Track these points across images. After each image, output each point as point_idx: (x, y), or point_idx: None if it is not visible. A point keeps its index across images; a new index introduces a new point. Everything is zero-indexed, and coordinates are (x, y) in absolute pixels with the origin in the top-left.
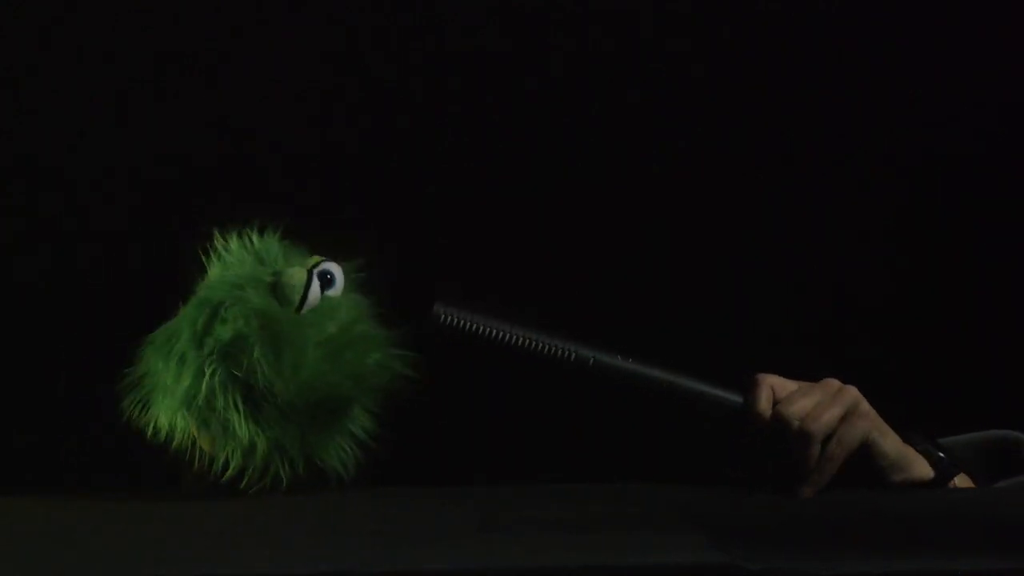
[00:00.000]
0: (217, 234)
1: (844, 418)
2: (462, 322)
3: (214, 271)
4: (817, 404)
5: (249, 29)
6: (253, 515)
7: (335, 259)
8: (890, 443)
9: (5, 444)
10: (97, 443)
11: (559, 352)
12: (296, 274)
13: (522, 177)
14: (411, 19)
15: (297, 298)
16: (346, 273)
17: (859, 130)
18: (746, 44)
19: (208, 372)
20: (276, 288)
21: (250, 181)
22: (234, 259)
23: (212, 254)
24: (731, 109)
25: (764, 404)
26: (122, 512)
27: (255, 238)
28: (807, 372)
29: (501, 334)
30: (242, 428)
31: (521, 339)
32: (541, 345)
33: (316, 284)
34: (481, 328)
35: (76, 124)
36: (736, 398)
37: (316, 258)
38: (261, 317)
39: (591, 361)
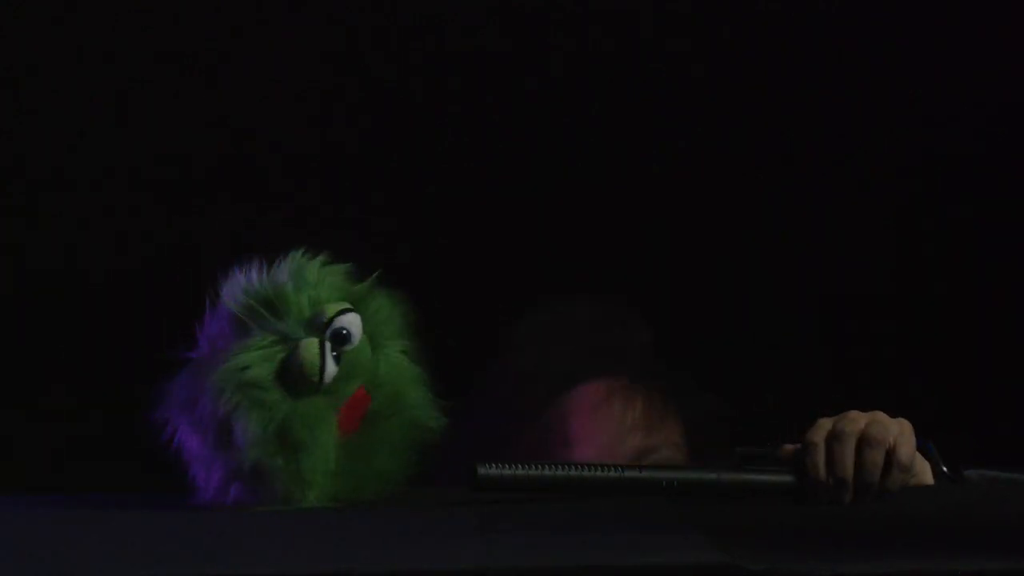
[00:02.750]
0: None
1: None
2: (508, 474)
3: (217, 326)
4: (871, 466)
5: (249, 29)
6: (253, 515)
7: (350, 288)
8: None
9: (5, 444)
10: (96, 443)
11: (606, 473)
12: (308, 356)
13: (521, 178)
14: (411, 19)
15: (314, 382)
16: (366, 302)
17: (859, 130)
18: (746, 44)
19: (233, 480)
20: (290, 367)
21: (250, 181)
22: (244, 311)
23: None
24: (731, 109)
25: (821, 492)
26: (122, 512)
27: (261, 279)
28: (807, 372)
29: (548, 472)
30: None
31: (567, 472)
32: (587, 472)
33: (331, 359)
34: (525, 473)
35: (75, 125)
36: (787, 478)
37: (331, 309)
38: (279, 427)
39: (662, 482)
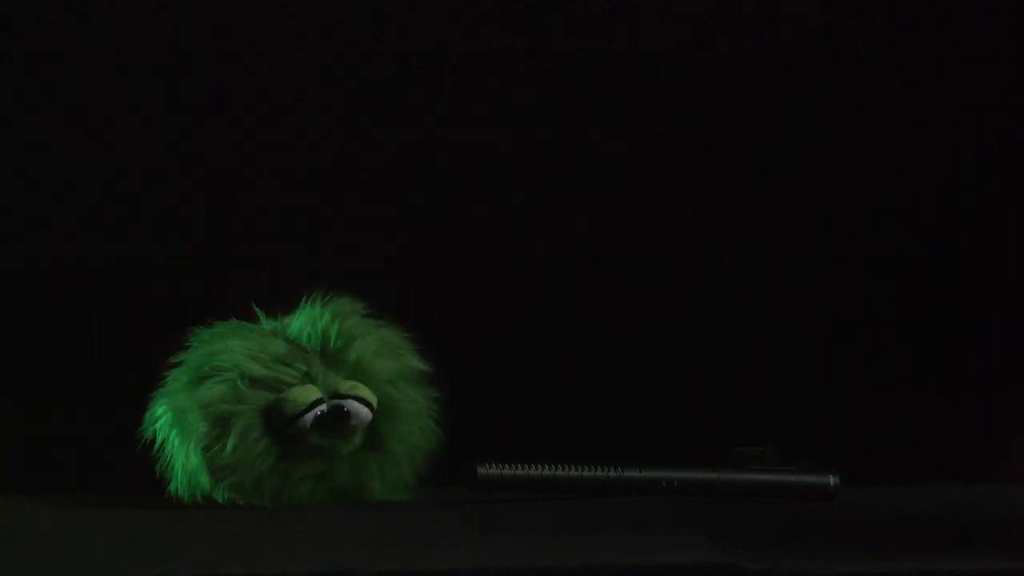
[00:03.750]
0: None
1: None
2: (508, 474)
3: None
4: None
5: (249, 29)
6: (253, 516)
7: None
8: None
9: (6, 443)
10: (95, 444)
11: (606, 473)
12: (298, 397)
13: (520, 177)
14: (410, 19)
15: (287, 416)
16: (395, 412)
17: (860, 130)
18: (747, 44)
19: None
20: (275, 406)
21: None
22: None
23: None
24: (733, 109)
25: None
26: (122, 512)
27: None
28: (808, 373)
29: (548, 472)
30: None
31: (566, 472)
32: (587, 472)
33: (311, 415)
34: (525, 473)
35: (75, 127)
36: (785, 477)
37: (349, 387)
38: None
39: (663, 482)
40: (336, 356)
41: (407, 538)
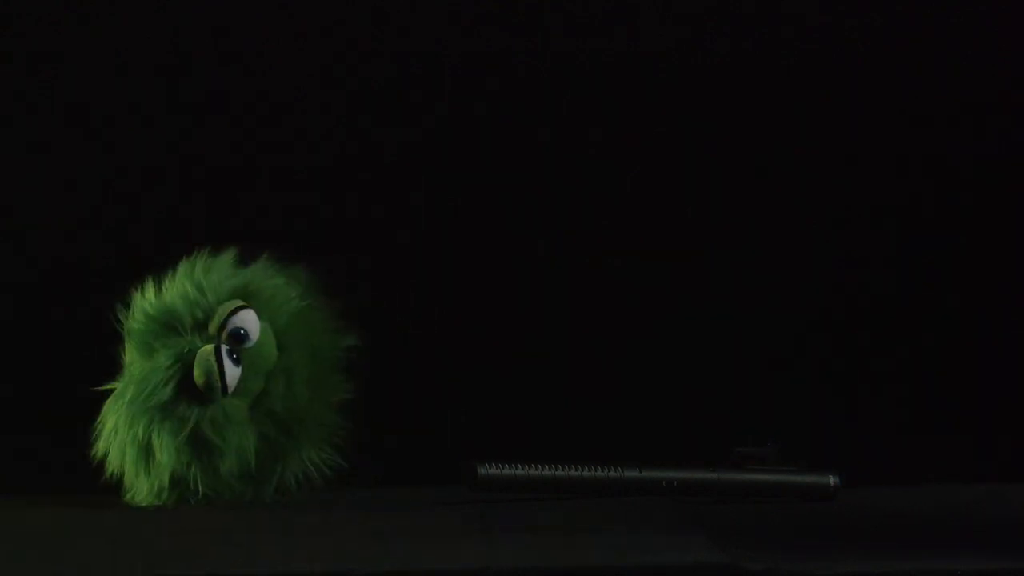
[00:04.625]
0: (117, 304)
1: None
2: (508, 474)
3: (131, 355)
4: None
5: (249, 29)
6: (253, 515)
7: (240, 273)
8: None
9: (5, 444)
10: (94, 444)
11: (606, 473)
12: (206, 365)
13: (520, 177)
14: (410, 19)
15: (218, 386)
16: (259, 286)
17: (860, 130)
18: (747, 44)
19: (162, 495)
20: (193, 380)
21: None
22: (145, 334)
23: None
24: (733, 109)
25: None
26: (121, 513)
27: (154, 297)
28: (807, 373)
29: (548, 472)
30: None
31: (566, 472)
32: (587, 472)
33: (229, 363)
34: (525, 473)
35: (71, 128)
36: (785, 477)
37: (222, 310)
38: (190, 437)
39: (663, 482)
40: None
41: (407, 538)
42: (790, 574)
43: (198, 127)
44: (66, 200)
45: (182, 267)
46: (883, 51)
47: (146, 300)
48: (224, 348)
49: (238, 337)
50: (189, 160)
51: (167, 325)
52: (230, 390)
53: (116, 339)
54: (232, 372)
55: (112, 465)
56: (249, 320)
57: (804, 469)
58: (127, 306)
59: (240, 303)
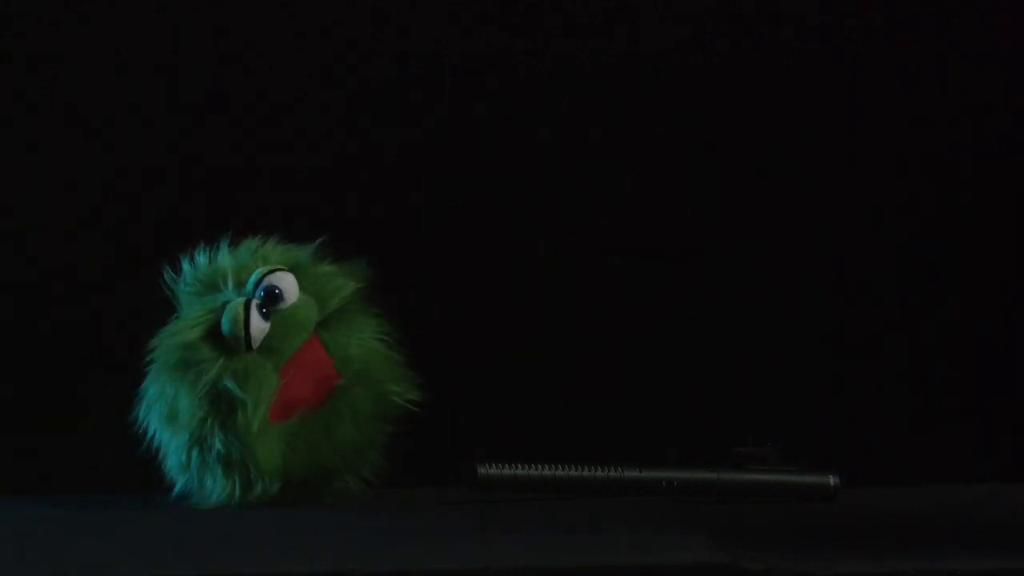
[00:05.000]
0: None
1: None
2: (508, 474)
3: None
4: None
5: (249, 29)
6: (253, 515)
7: (292, 252)
8: None
9: (5, 444)
10: (94, 444)
11: (606, 473)
12: (233, 314)
13: (520, 177)
14: (410, 19)
15: (241, 337)
16: (307, 264)
17: (860, 130)
18: (747, 44)
19: (188, 459)
20: (220, 328)
21: (245, 187)
22: (191, 294)
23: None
24: (733, 109)
25: None
26: (122, 512)
27: (203, 264)
28: (807, 373)
29: (549, 472)
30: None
31: (566, 472)
32: (587, 472)
33: (257, 316)
34: (525, 473)
35: (70, 130)
36: (785, 477)
37: (260, 271)
38: (209, 389)
39: (663, 482)
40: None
41: (407, 538)
42: (790, 574)
43: (198, 127)
44: (66, 200)
45: (244, 242)
46: (883, 51)
47: (197, 262)
48: (255, 302)
49: (272, 295)
50: (189, 160)
51: (211, 284)
52: (255, 344)
53: (116, 340)
54: (258, 325)
55: (148, 430)
56: (286, 281)
57: (804, 469)
58: (177, 271)
59: (278, 267)
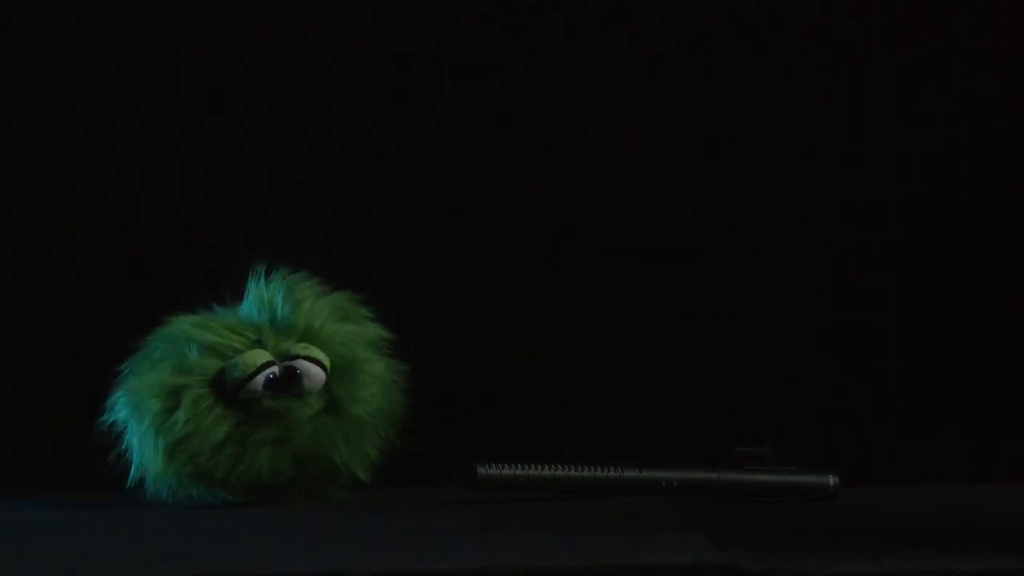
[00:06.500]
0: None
1: None
2: (508, 474)
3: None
4: None
5: (249, 29)
6: (253, 515)
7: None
8: None
9: (5, 444)
10: (94, 444)
11: (606, 473)
12: (249, 356)
13: (520, 177)
14: (410, 19)
15: (233, 382)
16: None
17: (860, 130)
18: (747, 44)
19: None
20: (228, 366)
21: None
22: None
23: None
24: (733, 109)
25: None
26: (122, 512)
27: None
28: (807, 373)
29: (548, 472)
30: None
31: (566, 472)
32: (587, 472)
33: (260, 379)
34: (525, 473)
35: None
36: (785, 477)
37: (305, 349)
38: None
39: (663, 482)
40: (286, 322)
41: (407, 538)
42: (790, 574)
43: (198, 127)
44: (66, 200)
45: (320, 291)
46: (883, 51)
47: (264, 294)
48: (271, 371)
49: (292, 376)
50: (189, 160)
51: (247, 319)
52: (237, 397)
53: (115, 339)
54: (253, 387)
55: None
56: (316, 379)
57: (804, 469)
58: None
59: (323, 360)
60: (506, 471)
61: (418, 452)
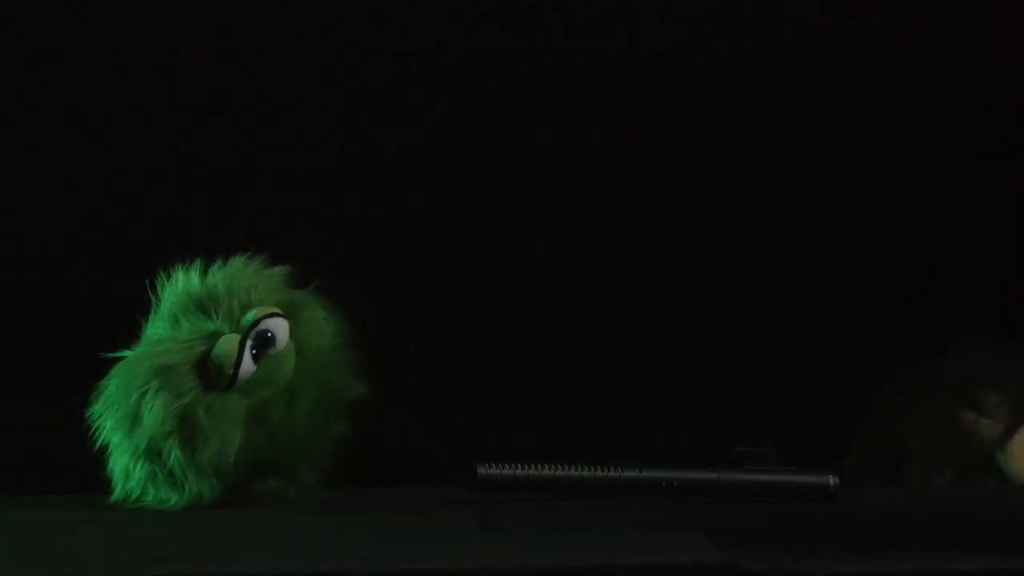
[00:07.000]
0: (161, 277)
1: None
2: (508, 474)
3: (154, 325)
4: None
5: (249, 29)
6: (253, 515)
7: (287, 293)
8: None
9: (7, 444)
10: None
11: (606, 473)
12: (226, 349)
13: (520, 177)
14: (410, 19)
15: (227, 375)
16: (300, 308)
17: (860, 130)
18: (747, 44)
19: (135, 465)
20: (208, 362)
21: (243, 187)
22: (178, 308)
23: (156, 299)
24: (733, 109)
25: None
26: (122, 512)
27: (197, 281)
28: (807, 373)
29: (548, 472)
30: (174, 499)
31: (566, 472)
32: (587, 472)
33: (249, 357)
34: (525, 473)
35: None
36: (784, 477)
37: (259, 312)
38: (181, 412)
39: (663, 482)
40: (211, 301)
41: (407, 538)
42: (790, 574)
43: (198, 127)
44: (66, 200)
45: (235, 261)
46: (883, 51)
47: (190, 277)
48: (248, 342)
49: (264, 340)
50: (189, 160)
51: (202, 306)
52: (237, 383)
53: (116, 338)
54: (247, 367)
55: (100, 428)
56: (281, 329)
57: (804, 469)
58: (166, 277)
59: (277, 311)
60: (506, 471)
61: (418, 451)
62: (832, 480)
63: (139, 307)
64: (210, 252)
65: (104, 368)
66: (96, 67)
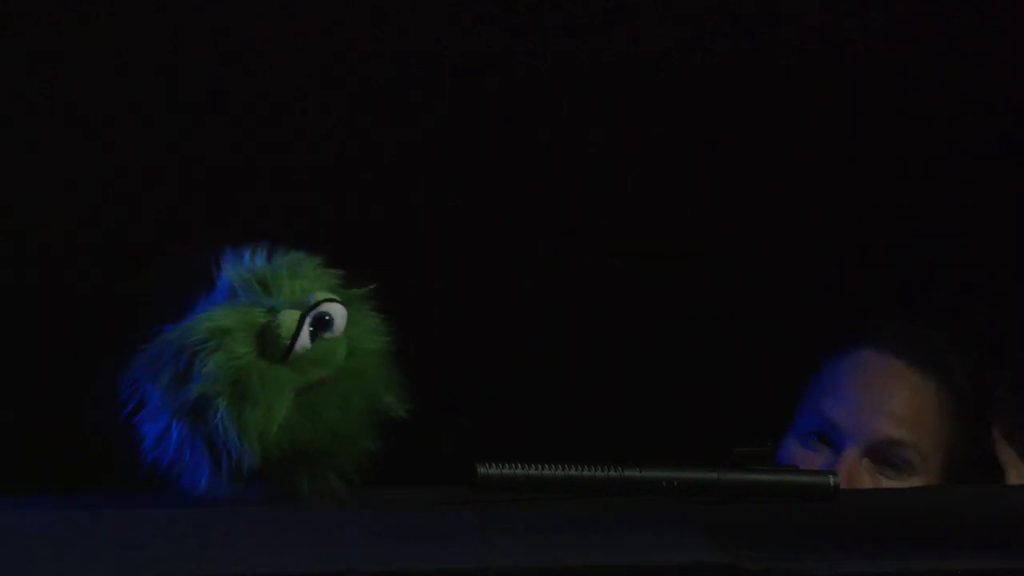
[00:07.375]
0: (225, 252)
1: None
2: (508, 474)
3: (209, 300)
4: None
5: (249, 29)
6: (253, 515)
7: (343, 291)
8: None
9: (7, 444)
10: (95, 443)
11: (606, 473)
12: (286, 321)
13: (520, 177)
14: (410, 19)
15: (284, 346)
16: (354, 306)
17: (860, 130)
18: (747, 44)
19: (175, 426)
20: (266, 332)
21: (255, 188)
22: (239, 283)
23: (217, 273)
24: (733, 109)
25: None
26: (122, 512)
27: (262, 262)
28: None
29: (548, 472)
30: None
31: (567, 471)
32: (587, 471)
33: (307, 333)
34: (525, 473)
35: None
36: (785, 477)
37: (320, 295)
38: (234, 372)
39: (663, 482)
40: (273, 283)
41: (407, 538)
42: (790, 574)
43: (198, 127)
44: (66, 200)
45: (297, 253)
46: (883, 51)
47: (254, 257)
48: (308, 319)
49: (323, 321)
50: (189, 160)
51: (264, 284)
52: (291, 358)
53: (116, 339)
54: (303, 342)
55: (138, 390)
56: (340, 314)
57: (804, 469)
58: (231, 254)
59: (336, 298)
60: (506, 471)
61: (418, 451)
62: (832, 480)
63: (139, 307)
64: (210, 252)
65: (104, 368)
66: (96, 67)
